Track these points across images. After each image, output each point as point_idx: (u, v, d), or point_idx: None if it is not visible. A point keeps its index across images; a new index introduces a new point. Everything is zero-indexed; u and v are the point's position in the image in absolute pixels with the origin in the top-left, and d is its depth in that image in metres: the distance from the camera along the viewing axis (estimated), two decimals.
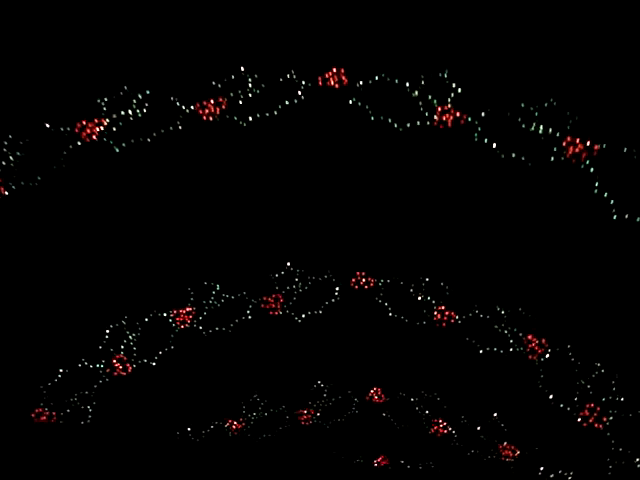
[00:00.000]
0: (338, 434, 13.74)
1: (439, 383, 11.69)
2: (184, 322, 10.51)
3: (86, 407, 10.29)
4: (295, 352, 11.41)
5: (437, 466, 14.14)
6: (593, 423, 9.74)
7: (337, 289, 10.80)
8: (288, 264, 10.72)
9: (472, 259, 9.76)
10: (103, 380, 10.37)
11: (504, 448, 13.00)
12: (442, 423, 13.22)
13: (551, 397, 9.83)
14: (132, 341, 10.64)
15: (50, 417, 10.14)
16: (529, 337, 10.12)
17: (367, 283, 10.74)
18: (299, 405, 13.66)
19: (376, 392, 13.44)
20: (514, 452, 13.00)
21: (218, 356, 11.17)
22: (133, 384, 10.66)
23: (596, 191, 7.87)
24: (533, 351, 10.05)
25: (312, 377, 12.48)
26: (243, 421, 13.11)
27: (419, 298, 10.52)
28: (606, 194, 7.84)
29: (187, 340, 10.63)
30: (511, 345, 10.11)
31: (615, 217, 7.86)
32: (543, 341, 10.05)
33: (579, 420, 9.73)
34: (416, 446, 13.51)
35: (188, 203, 9.37)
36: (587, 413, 9.71)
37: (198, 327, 10.70)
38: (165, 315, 10.63)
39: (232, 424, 13.02)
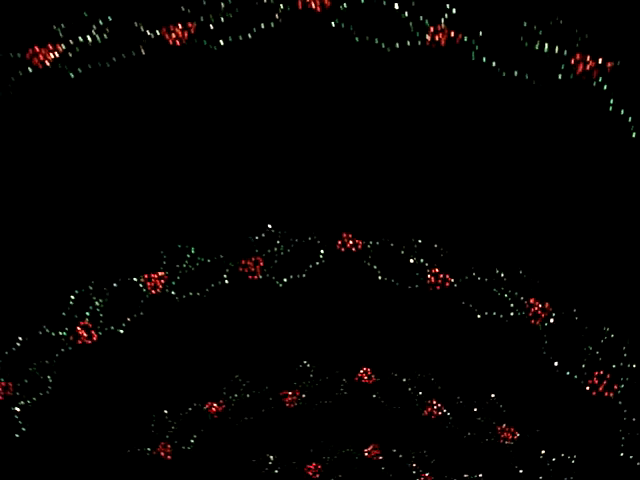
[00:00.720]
0: (325, 417, 12.88)
1: (433, 355, 10.82)
2: (155, 287, 9.67)
3: (46, 377, 9.53)
4: (277, 323, 10.53)
5: (431, 451, 13.29)
6: (603, 392, 8.88)
7: (322, 252, 9.92)
8: (269, 225, 9.83)
9: (469, 213, 8.90)
10: (65, 349, 9.56)
11: (503, 430, 12.14)
12: (436, 404, 12.36)
13: (556, 364, 8.97)
14: (99, 307, 9.66)
15: (6, 388, 9.43)
16: (531, 301, 9.26)
17: (354, 245, 9.88)
18: (283, 386, 12.81)
19: (366, 372, 12.59)
20: (514, 435, 12.14)
21: (193, 326, 10.39)
22: (99, 354, 9.86)
23: (611, 109, 7.17)
24: (536, 315, 9.19)
25: (296, 354, 11.63)
26: (223, 403, 12.26)
27: (411, 261, 9.67)
28: (622, 111, 7.13)
29: (159, 307, 9.79)
30: (512, 310, 9.26)
31: (634, 135, 7.12)
32: (547, 305, 9.20)
33: (587, 389, 8.87)
34: (409, 430, 12.64)
35: (154, 146, 8.54)
36: (596, 381, 8.85)
37: (170, 292, 9.80)
38: (135, 280, 9.75)
39: (211, 406, 12.19)
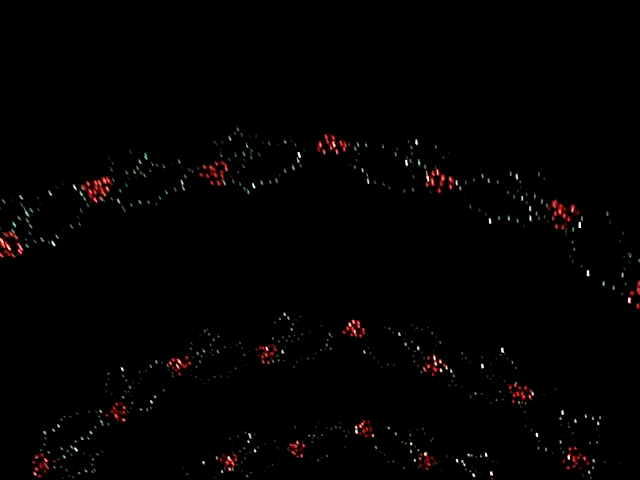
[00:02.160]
0: (308, 380, 11.12)
1: (434, 287, 9.10)
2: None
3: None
4: (246, 244, 8.92)
5: (431, 421, 11.51)
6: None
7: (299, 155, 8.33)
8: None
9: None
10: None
11: (515, 389, 10.38)
12: (436, 361, 10.62)
13: (588, 275, 7.22)
14: (28, 217, 8.46)
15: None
16: (553, 204, 7.57)
17: (338, 147, 8.27)
18: (260, 342, 11.08)
19: (355, 325, 10.86)
20: (527, 394, 10.38)
21: (142, 245, 9.25)
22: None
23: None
24: (560, 220, 7.50)
25: (274, 295, 9.95)
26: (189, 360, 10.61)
27: (406, 163, 8.00)
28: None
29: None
30: (531, 213, 7.56)
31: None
32: (572, 208, 7.50)
33: (629, 302, 7.10)
34: (405, 390, 10.87)
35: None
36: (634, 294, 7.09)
37: (116, 200, 8.15)
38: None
39: (175, 363, 10.58)
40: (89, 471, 10.04)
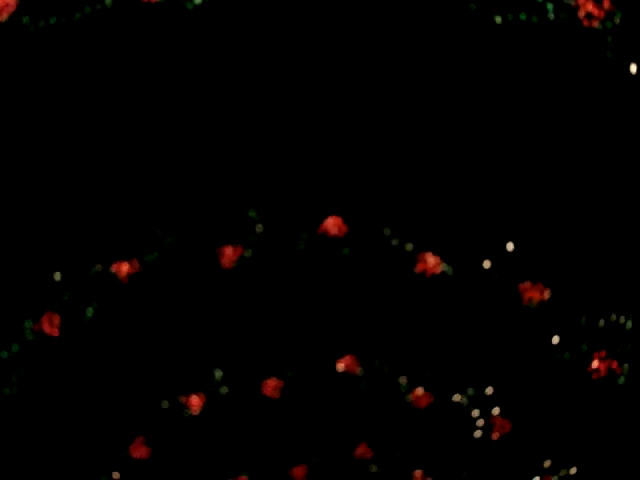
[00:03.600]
0: (277, 291, 9.33)
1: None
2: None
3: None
4: None
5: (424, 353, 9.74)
6: None
7: None
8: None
9: None
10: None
11: (526, 289, 8.60)
12: (431, 257, 8.81)
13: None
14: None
15: None
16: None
17: None
18: (221, 242, 9.30)
19: (334, 222, 9.09)
20: (542, 292, 8.62)
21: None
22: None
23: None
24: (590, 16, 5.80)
25: None
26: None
27: None
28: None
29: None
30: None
31: None
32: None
33: None
34: (394, 298, 9.09)
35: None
36: None
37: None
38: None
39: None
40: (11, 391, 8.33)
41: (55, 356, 8.71)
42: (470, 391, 10.86)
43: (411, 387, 10.98)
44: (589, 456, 8.59)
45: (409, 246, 8.66)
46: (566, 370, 7.75)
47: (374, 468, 11.20)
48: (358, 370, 10.95)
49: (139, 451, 10.02)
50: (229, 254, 8.91)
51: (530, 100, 7.30)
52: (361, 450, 11.46)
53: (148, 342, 9.18)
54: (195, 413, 10.59)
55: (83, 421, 9.09)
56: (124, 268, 8.88)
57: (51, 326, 8.48)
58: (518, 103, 7.38)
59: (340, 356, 10.88)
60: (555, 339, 7.89)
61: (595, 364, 7.84)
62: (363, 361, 10.79)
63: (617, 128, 7.58)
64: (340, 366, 11.15)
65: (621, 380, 7.64)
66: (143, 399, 9.78)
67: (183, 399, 10.66)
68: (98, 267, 8.68)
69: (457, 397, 11.05)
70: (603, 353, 7.85)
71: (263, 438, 11.11)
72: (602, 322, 7.78)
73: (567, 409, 8.31)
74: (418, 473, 11.33)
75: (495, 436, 10.01)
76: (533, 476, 9.64)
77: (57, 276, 8.53)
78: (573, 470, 8.98)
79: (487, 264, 8.43)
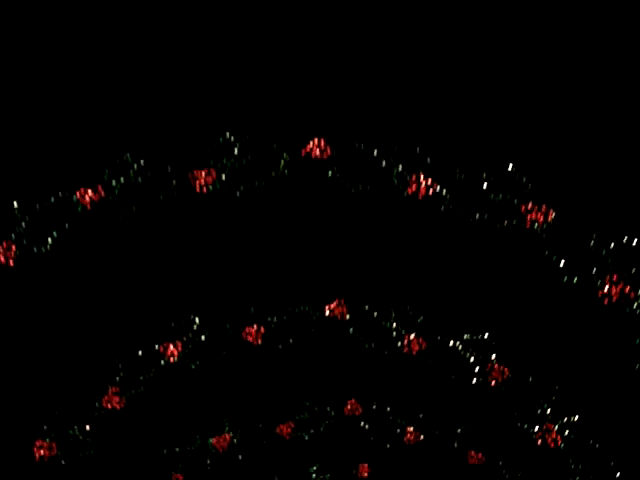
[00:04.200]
0: (259, 225, 8.50)
1: None
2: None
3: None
4: None
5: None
6: None
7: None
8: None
9: None
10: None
11: (529, 211, 7.81)
12: (424, 181, 7.98)
13: None
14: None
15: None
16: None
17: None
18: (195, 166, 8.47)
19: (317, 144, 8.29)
20: (546, 215, 7.81)
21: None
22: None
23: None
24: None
25: None
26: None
27: None
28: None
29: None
30: None
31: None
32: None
33: None
34: (382, 223, 8.24)
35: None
36: None
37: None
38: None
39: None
40: None
41: (10, 288, 7.93)
42: (466, 335, 10.10)
43: (402, 332, 10.23)
44: (594, 402, 7.83)
45: (399, 167, 7.87)
46: (574, 296, 6.98)
47: (364, 425, 10.42)
48: (346, 315, 10.17)
49: (112, 401, 9.23)
50: (203, 178, 8.13)
51: None
52: (350, 406, 10.61)
53: (115, 279, 8.39)
54: (172, 361, 9.83)
55: (44, 367, 8.28)
56: (88, 195, 8.09)
57: (6, 256, 7.67)
58: None
59: (328, 300, 10.12)
60: (561, 263, 7.13)
61: (606, 289, 7.09)
62: (351, 305, 10.02)
63: None
64: (328, 311, 10.38)
65: (636, 306, 6.89)
66: (111, 344, 8.97)
67: (159, 347, 9.90)
68: (59, 194, 7.86)
69: (452, 343, 10.29)
70: (615, 277, 7.10)
71: (245, 390, 10.28)
72: (613, 244, 7.01)
73: (574, 343, 7.56)
74: (409, 429, 10.52)
75: (493, 383, 9.24)
76: (534, 425, 8.86)
77: (15, 204, 7.74)
78: (575, 417, 8.21)
79: (485, 185, 7.66)
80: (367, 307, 10.19)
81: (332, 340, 10.21)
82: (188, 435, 11.33)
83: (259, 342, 10.15)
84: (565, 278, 7.17)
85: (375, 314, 10.24)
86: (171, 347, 10.06)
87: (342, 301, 10.05)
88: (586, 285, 7.23)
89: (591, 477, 8.85)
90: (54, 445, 10.32)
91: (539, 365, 8.85)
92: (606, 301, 7.11)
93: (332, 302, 10.11)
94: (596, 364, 7.86)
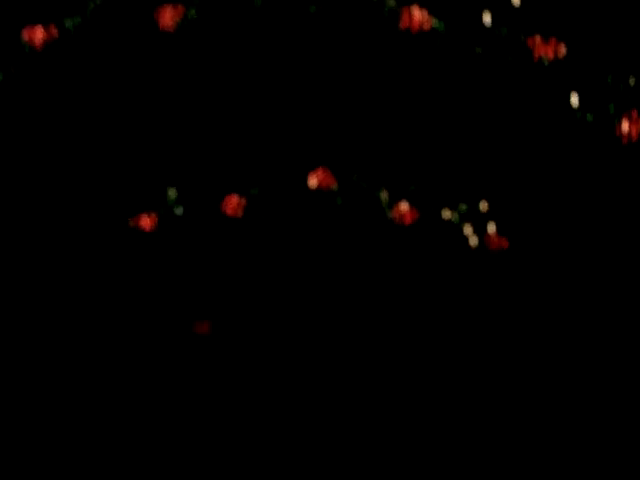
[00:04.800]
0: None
1: None
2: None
3: None
4: None
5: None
6: None
7: None
8: None
9: None
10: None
11: (534, 41, 6.88)
12: (416, 13, 7.02)
13: None
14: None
15: None
16: None
17: None
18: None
19: None
20: (556, 48, 6.91)
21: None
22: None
23: None
24: None
25: None
26: None
27: None
28: None
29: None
30: None
31: None
32: None
33: None
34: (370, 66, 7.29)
35: None
36: None
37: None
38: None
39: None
40: None
41: None
42: (462, 206, 9.35)
43: (393, 202, 9.45)
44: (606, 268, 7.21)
45: (391, 1, 6.99)
46: (589, 134, 6.14)
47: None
48: (333, 185, 9.38)
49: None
50: (169, 15, 7.23)
51: None
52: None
53: (73, 141, 7.56)
54: (146, 232, 9.08)
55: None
56: (39, 34, 7.18)
57: None
58: None
59: (312, 169, 9.35)
60: (574, 100, 6.28)
61: (625, 127, 6.25)
62: (338, 174, 9.25)
63: None
64: (312, 181, 9.58)
65: None
66: (79, 221, 8.22)
67: (132, 221, 9.13)
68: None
69: (447, 213, 9.53)
70: (634, 113, 6.26)
71: (224, 270, 9.59)
72: (633, 80, 6.16)
73: (587, 195, 6.79)
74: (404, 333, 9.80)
75: (491, 254, 8.49)
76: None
77: None
78: None
79: (488, 18, 6.77)
80: (355, 176, 9.47)
81: (319, 212, 9.50)
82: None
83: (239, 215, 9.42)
84: (579, 114, 6.37)
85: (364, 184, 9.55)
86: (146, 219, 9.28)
87: (328, 170, 9.31)
88: (602, 123, 6.40)
89: None
90: None
91: (545, 228, 8.11)
92: (625, 140, 6.31)
93: (317, 171, 9.37)
94: (613, 220, 7.11)
